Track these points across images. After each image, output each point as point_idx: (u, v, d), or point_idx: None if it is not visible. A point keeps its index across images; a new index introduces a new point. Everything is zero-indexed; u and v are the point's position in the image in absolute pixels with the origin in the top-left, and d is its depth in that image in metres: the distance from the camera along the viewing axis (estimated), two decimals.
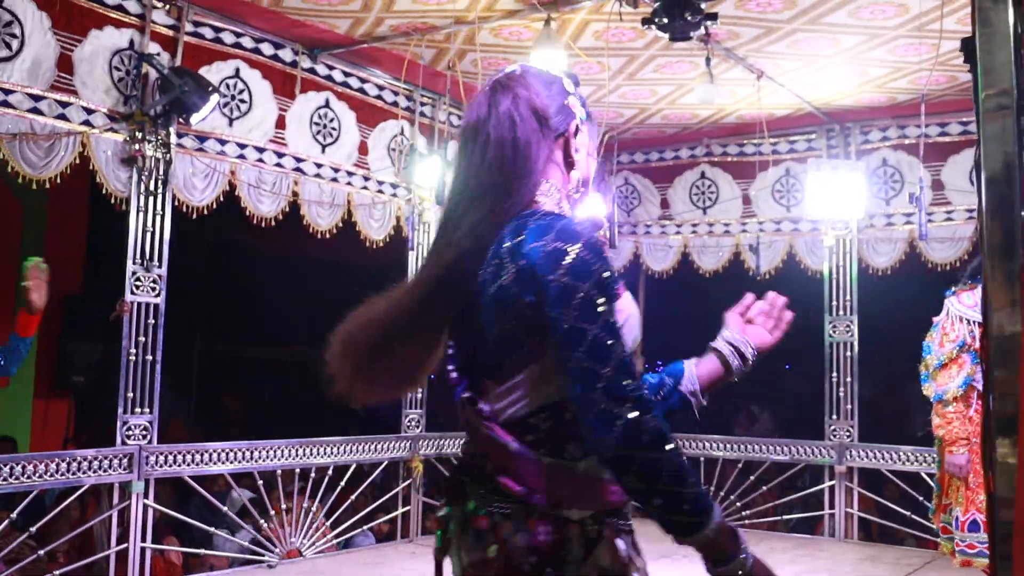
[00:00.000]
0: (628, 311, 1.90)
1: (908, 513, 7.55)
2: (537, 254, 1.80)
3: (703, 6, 5.38)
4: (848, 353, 8.00)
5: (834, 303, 8.10)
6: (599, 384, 1.71)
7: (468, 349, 1.98)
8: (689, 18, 5.32)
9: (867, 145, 8.09)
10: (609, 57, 6.61)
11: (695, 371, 2.21)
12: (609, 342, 1.75)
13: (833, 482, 7.92)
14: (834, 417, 8.00)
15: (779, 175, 8.45)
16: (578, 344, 1.74)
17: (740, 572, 1.80)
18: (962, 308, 5.14)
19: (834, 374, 8.00)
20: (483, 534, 1.88)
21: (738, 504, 8.31)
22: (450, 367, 2.01)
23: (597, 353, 1.73)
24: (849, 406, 7.95)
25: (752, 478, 8.25)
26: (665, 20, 5.35)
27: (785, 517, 8.28)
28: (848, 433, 7.93)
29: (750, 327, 2.27)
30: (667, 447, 1.70)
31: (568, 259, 1.78)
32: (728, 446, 8.49)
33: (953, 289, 5.28)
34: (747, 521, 8.26)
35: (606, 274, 1.79)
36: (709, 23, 5.44)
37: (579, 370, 1.73)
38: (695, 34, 5.48)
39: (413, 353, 1.98)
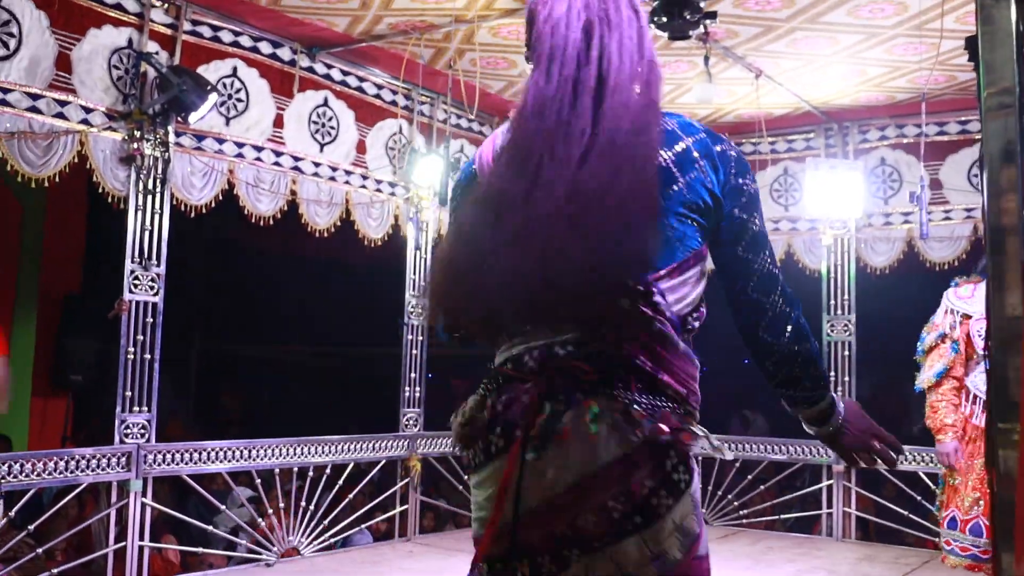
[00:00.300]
0: None
1: (906, 512, 7.55)
2: (731, 159, 1.94)
3: (702, 5, 5.38)
4: (846, 352, 8.00)
5: (832, 302, 8.10)
6: (779, 287, 1.96)
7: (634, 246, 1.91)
8: (688, 17, 5.33)
9: (865, 144, 8.09)
10: None
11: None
12: (773, 250, 2.01)
13: (831, 481, 7.92)
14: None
15: (777, 174, 8.46)
16: (764, 247, 1.97)
17: (834, 427, 2.09)
18: (954, 300, 5.17)
19: (832, 373, 7.99)
20: (633, 427, 1.81)
21: (736, 504, 8.31)
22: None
23: (774, 259, 1.98)
24: None
25: (750, 477, 8.24)
26: (664, 19, 5.36)
27: (783, 516, 8.28)
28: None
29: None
30: (812, 337, 2.01)
31: (748, 166, 2.00)
32: (726, 445, 8.45)
33: (957, 280, 5.31)
34: (745, 520, 8.26)
35: None
36: (708, 22, 5.45)
37: (765, 272, 1.95)
38: (694, 33, 5.49)
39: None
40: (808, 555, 7.21)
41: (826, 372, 2.09)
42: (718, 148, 1.94)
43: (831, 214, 7.57)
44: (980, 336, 4.92)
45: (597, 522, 1.81)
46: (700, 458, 1.99)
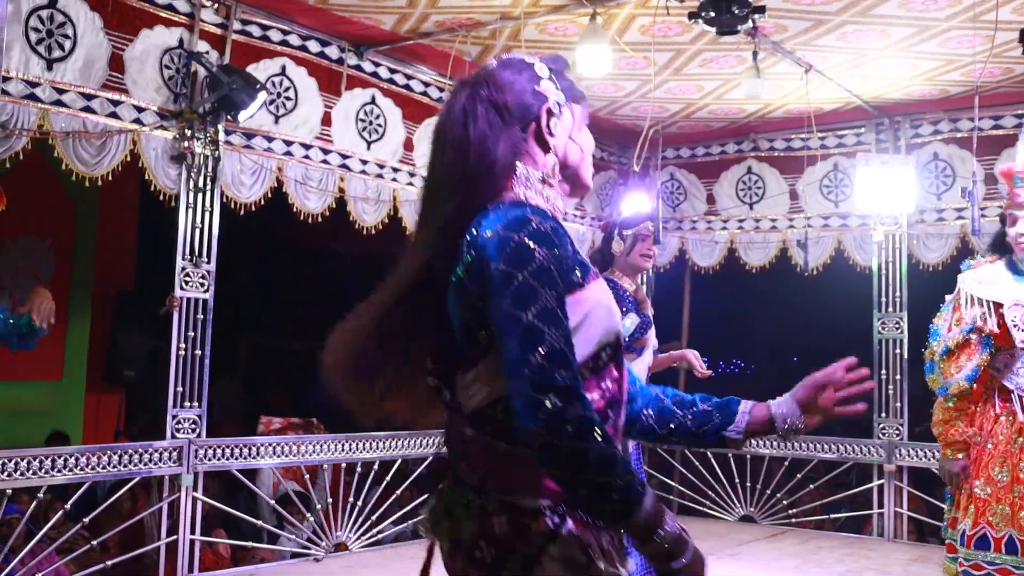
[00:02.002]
0: (594, 300, 1.87)
1: None
2: (484, 243, 1.81)
3: (750, 0, 5.34)
4: (897, 350, 7.91)
5: (883, 299, 8.01)
6: (525, 370, 1.70)
7: (442, 344, 1.96)
8: (736, 12, 5.29)
9: (917, 139, 7.98)
10: (655, 52, 6.57)
11: (746, 419, 2.11)
12: (543, 329, 1.72)
13: (882, 481, 7.83)
14: (883, 415, 7.91)
15: (827, 170, 8.37)
16: (511, 330, 1.73)
17: (662, 553, 1.75)
18: (975, 285, 4.48)
19: (883, 372, 7.91)
20: (447, 524, 1.91)
21: (785, 503, 8.24)
22: (430, 363, 2.00)
23: (527, 341, 1.71)
24: (898, 404, 7.87)
25: (799, 476, 8.18)
26: (712, 14, 5.32)
27: (832, 516, 8.20)
28: (897, 431, 7.83)
29: (815, 395, 2.12)
30: (592, 437, 1.69)
31: (510, 246, 1.78)
32: (775, 444, 8.40)
33: (970, 263, 4.67)
34: (794, 520, 8.19)
35: (548, 261, 1.78)
36: (757, 16, 5.39)
37: (510, 357, 1.73)
38: (742, 28, 5.44)
39: (404, 357, 1.98)
40: (858, 555, 7.14)
41: (627, 484, 1.71)
42: (479, 233, 1.85)
43: (882, 210, 7.50)
44: (1017, 327, 4.28)
45: None
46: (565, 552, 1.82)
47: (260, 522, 6.63)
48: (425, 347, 1.97)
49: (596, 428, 1.70)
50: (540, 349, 1.71)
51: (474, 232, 1.85)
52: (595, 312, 1.86)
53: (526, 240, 1.78)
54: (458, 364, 1.90)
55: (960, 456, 4.43)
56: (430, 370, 1.97)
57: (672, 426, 2.14)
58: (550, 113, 2.00)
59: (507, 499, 1.81)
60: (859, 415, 2.17)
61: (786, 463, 8.28)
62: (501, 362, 1.77)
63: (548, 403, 1.67)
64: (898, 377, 7.88)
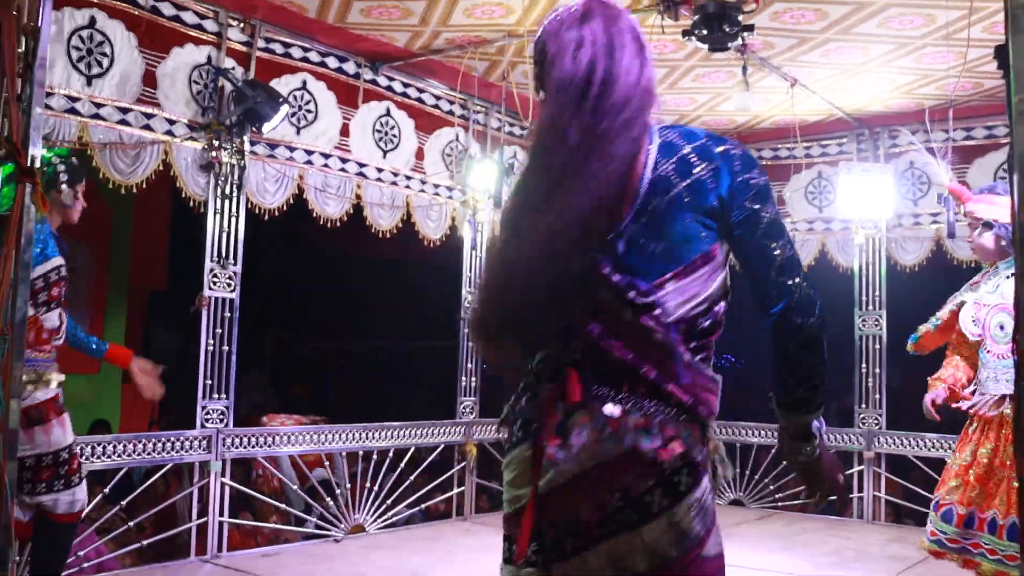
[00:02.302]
0: None
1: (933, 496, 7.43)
2: (734, 156, 1.88)
3: (740, 18, 5.34)
4: (877, 346, 7.90)
5: (864, 298, 8.00)
6: (801, 272, 1.86)
7: (635, 254, 1.86)
8: (727, 30, 5.29)
9: (895, 149, 7.98)
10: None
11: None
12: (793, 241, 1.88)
13: (862, 467, 7.83)
14: (863, 406, 7.91)
15: (812, 177, 8.36)
16: (781, 235, 1.87)
17: (814, 448, 1.95)
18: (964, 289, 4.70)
19: (863, 365, 7.91)
20: (633, 434, 1.80)
21: (771, 487, 8.23)
22: (603, 264, 1.86)
23: (793, 246, 1.88)
24: (877, 396, 7.86)
25: (783, 463, 8.15)
26: (704, 32, 5.33)
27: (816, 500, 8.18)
28: (876, 421, 7.83)
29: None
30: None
31: (757, 163, 1.91)
32: (762, 432, 8.41)
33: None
34: (780, 503, 8.18)
35: None
36: (746, 34, 5.40)
37: (785, 259, 1.86)
38: (732, 45, 5.45)
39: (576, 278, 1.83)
40: (839, 536, 7.13)
41: (823, 363, 1.88)
42: (719, 149, 1.90)
43: (863, 215, 7.48)
44: (974, 322, 4.49)
45: (594, 514, 1.81)
46: (716, 462, 1.91)
47: (284, 505, 6.65)
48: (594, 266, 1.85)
49: None
50: (798, 256, 1.90)
51: (697, 144, 1.90)
52: None
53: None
54: (670, 273, 1.85)
55: (937, 386, 4.68)
56: (613, 284, 1.84)
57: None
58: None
59: (698, 415, 1.84)
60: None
61: (772, 450, 8.27)
62: (720, 269, 1.89)
63: (818, 302, 1.86)
64: (877, 371, 7.87)
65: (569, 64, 1.89)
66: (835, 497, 2.04)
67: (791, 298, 1.85)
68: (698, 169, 1.88)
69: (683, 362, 1.84)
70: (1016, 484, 1.65)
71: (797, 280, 1.86)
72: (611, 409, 1.81)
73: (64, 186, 4.20)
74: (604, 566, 1.80)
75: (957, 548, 4.35)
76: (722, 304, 1.92)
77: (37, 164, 2.94)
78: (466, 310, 7.49)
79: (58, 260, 4.18)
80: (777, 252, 1.87)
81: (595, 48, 1.89)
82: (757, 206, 1.88)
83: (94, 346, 4.60)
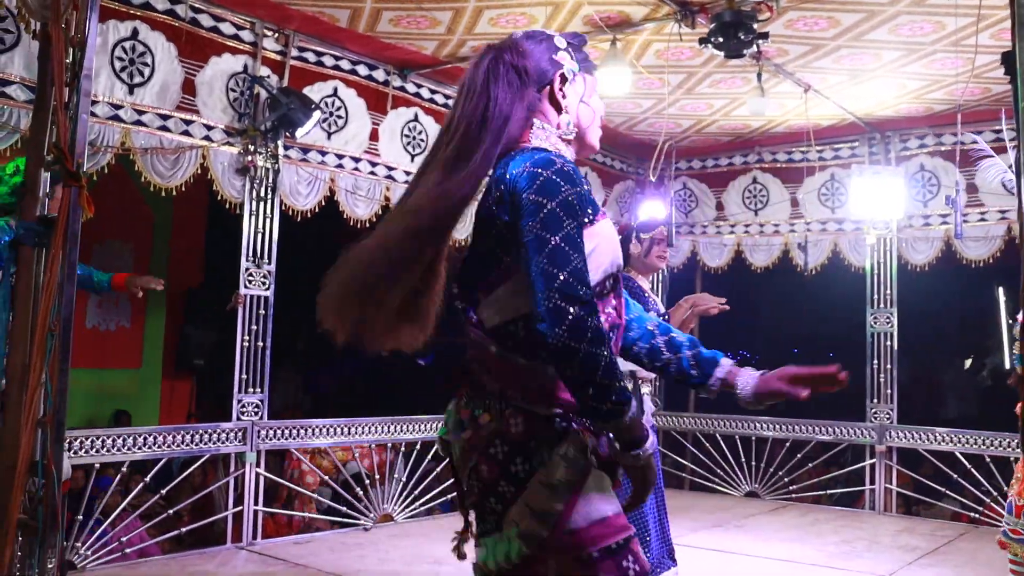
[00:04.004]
0: (603, 235, 1.95)
1: (943, 489, 7.41)
2: (515, 177, 1.90)
3: (755, 26, 5.32)
4: (888, 342, 7.86)
5: (875, 296, 7.96)
6: (555, 283, 1.79)
7: (466, 268, 2.04)
8: (742, 37, 5.28)
9: (906, 152, 7.92)
10: (669, 74, 6.56)
11: (718, 384, 2.19)
12: (568, 251, 1.82)
13: (874, 460, 7.80)
14: (875, 401, 7.86)
15: (824, 180, 8.32)
16: (541, 250, 1.82)
17: (643, 455, 1.87)
18: None
19: (875, 361, 7.87)
20: (463, 424, 1.97)
21: (786, 480, 8.21)
22: (454, 287, 2.03)
23: (557, 259, 1.80)
24: (889, 391, 7.82)
25: (799, 456, 8.14)
26: (720, 39, 5.31)
27: (829, 492, 8.15)
28: (888, 415, 7.79)
29: (783, 379, 2.16)
30: (605, 345, 1.79)
31: (540, 180, 1.87)
32: (777, 427, 8.37)
33: None
34: (794, 495, 8.15)
35: (572, 196, 1.87)
36: (760, 42, 5.38)
37: (540, 272, 1.81)
38: (747, 52, 5.43)
39: (413, 286, 1.91)
40: (851, 526, 7.10)
41: (623, 387, 1.81)
42: (515, 170, 1.93)
43: (874, 216, 7.44)
44: None
45: (474, 497, 2.00)
46: (572, 449, 1.88)
47: (316, 495, 6.68)
48: (436, 275, 1.94)
49: (607, 338, 1.82)
50: (567, 267, 1.81)
51: (502, 171, 1.96)
52: (602, 245, 1.94)
53: (553, 176, 1.88)
54: (479, 287, 1.98)
55: None
56: (455, 295, 2.01)
57: (658, 365, 2.24)
58: (563, 78, 2.09)
59: (523, 405, 1.91)
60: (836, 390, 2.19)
61: (787, 444, 8.25)
62: (525, 282, 1.86)
63: (571, 312, 1.77)
64: (888, 367, 7.83)
65: (452, 106, 2.09)
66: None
67: (538, 308, 1.83)
68: (496, 189, 1.97)
69: (495, 354, 1.94)
70: None
71: (548, 293, 1.81)
72: (458, 404, 2.02)
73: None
74: (499, 549, 1.93)
75: (1019, 539, 4.17)
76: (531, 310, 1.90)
77: (84, 169, 2.97)
78: None
79: None
80: (534, 266, 1.84)
81: (463, 87, 2.05)
82: (524, 223, 1.88)
83: (95, 279, 4.58)
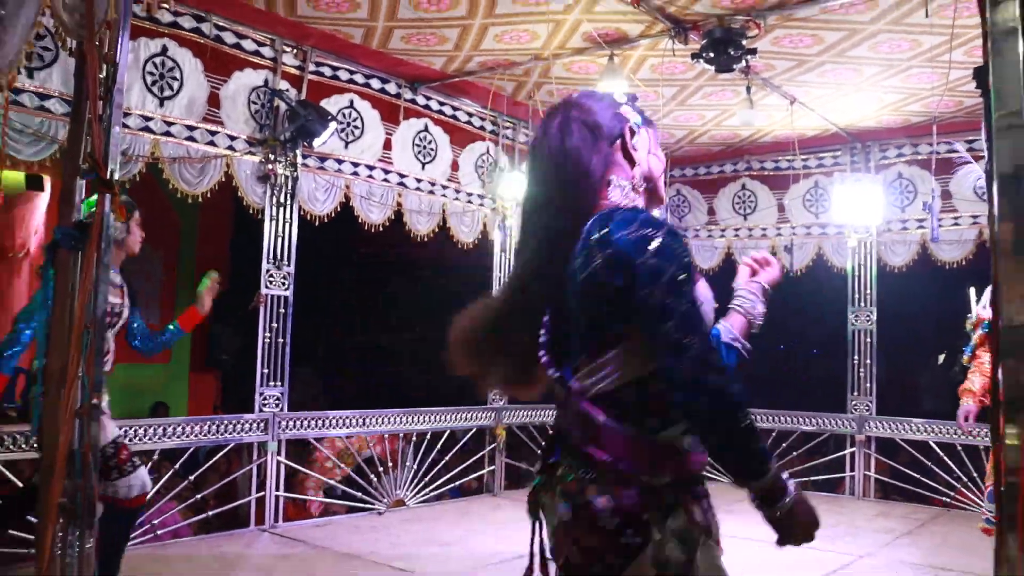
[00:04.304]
0: (704, 295, 1.82)
1: (917, 476, 7.42)
2: (625, 241, 1.71)
3: (744, 43, 5.33)
4: (868, 339, 7.86)
5: (856, 296, 7.95)
6: (688, 354, 1.64)
7: (560, 334, 1.88)
8: (732, 53, 5.29)
9: (885, 161, 7.91)
10: (663, 87, 6.56)
11: (729, 326, 2.08)
12: (694, 316, 1.69)
13: (854, 449, 7.80)
14: (855, 393, 7.86)
15: (809, 186, 8.31)
16: (668, 318, 1.65)
17: (785, 509, 1.73)
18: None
19: (856, 357, 7.87)
20: (571, 496, 1.78)
21: None
22: (542, 353, 1.91)
23: (685, 326, 1.65)
24: (868, 384, 7.82)
25: (784, 445, 8.14)
26: (711, 55, 5.33)
27: (812, 478, 8.14)
28: (867, 407, 7.79)
29: (757, 275, 2.15)
30: (746, 408, 1.66)
31: (654, 244, 1.70)
32: (764, 418, 8.37)
33: None
34: None
35: (687, 258, 1.72)
36: (749, 57, 5.40)
37: (670, 342, 1.65)
38: (737, 67, 5.45)
39: (518, 345, 1.91)
40: (833, 511, 7.09)
41: (765, 447, 1.71)
42: (620, 233, 1.74)
43: (855, 221, 7.45)
44: None
45: (574, 567, 1.79)
46: (684, 527, 1.76)
47: (333, 481, 6.69)
48: (532, 338, 1.92)
49: (745, 401, 1.66)
50: (696, 334, 1.67)
51: (602, 233, 1.75)
52: (704, 305, 1.81)
53: (667, 239, 1.71)
54: (583, 354, 1.81)
55: (966, 401, 4.59)
56: (545, 361, 1.91)
57: None
58: (632, 131, 1.95)
59: (636, 476, 1.75)
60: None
61: (773, 434, 8.24)
62: (638, 348, 1.73)
63: (710, 380, 1.64)
64: (868, 361, 7.83)
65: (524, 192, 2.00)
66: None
67: (673, 382, 1.69)
68: (597, 254, 1.77)
69: (601, 424, 1.78)
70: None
71: (682, 363, 1.67)
72: (558, 474, 1.84)
73: (115, 223, 4.09)
74: None
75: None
76: (654, 375, 1.74)
77: (116, 177, 2.98)
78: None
79: (113, 300, 4.11)
80: (654, 335, 1.70)
81: (535, 145, 1.98)
82: (644, 291, 1.70)
83: (169, 336, 4.57)
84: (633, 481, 1.74)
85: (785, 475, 1.73)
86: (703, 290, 1.82)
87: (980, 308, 4.80)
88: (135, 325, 4.34)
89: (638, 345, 1.73)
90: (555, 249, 1.82)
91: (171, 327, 4.57)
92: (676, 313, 1.66)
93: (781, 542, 1.77)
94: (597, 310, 1.76)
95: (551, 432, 1.94)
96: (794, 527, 1.76)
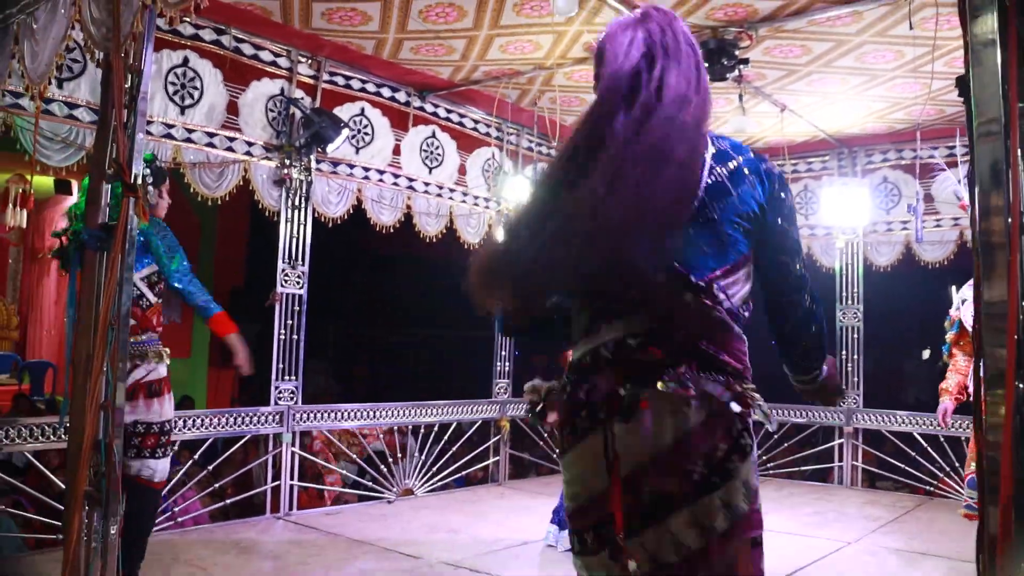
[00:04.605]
0: None
1: (903, 465, 7.41)
2: (775, 176, 1.85)
3: (736, 53, 5.33)
4: (855, 335, 7.85)
5: (844, 294, 7.95)
6: (808, 287, 1.90)
7: (691, 249, 1.76)
8: (725, 63, 5.29)
9: (871, 165, 7.90)
10: None
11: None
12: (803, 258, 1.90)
13: (842, 440, 7.79)
14: (844, 387, 7.86)
15: (798, 190, 8.31)
16: (798, 255, 1.88)
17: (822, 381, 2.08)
18: (964, 288, 4.81)
19: (843, 352, 7.86)
20: (690, 402, 1.69)
21: (764, 457, 8.20)
22: (674, 264, 1.75)
23: (804, 264, 1.89)
24: (856, 378, 7.81)
25: (775, 436, 8.13)
26: (706, 64, 5.30)
27: (802, 468, 8.15)
28: (855, 400, 7.78)
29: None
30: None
31: (787, 183, 1.87)
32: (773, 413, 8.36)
33: None
34: (771, 471, 8.15)
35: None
36: (741, 67, 5.39)
37: (799, 276, 1.87)
38: (730, 76, 5.44)
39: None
40: (822, 500, 7.09)
41: (826, 347, 2.03)
42: (764, 167, 1.83)
43: (843, 222, 7.43)
44: (973, 317, 4.54)
45: (680, 484, 1.70)
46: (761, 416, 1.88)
47: (344, 471, 6.70)
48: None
49: None
50: (806, 270, 1.90)
51: (746, 158, 1.83)
52: None
53: (787, 179, 1.94)
54: (718, 265, 1.76)
55: (943, 400, 4.70)
56: (677, 271, 1.75)
57: None
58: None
59: (749, 384, 1.80)
60: None
61: (765, 426, 8.23)
62: (752, 271, 1.85)
63: (820, 311, 1.96)
64: (856, 357, 7.82)
65: (621, 59, 1.74)
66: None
67: (796, 314, 1.91)
68: (747, 180, 1.79)
69: (734, 334, 1.79)
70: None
71: (804, 296, 1.91)
72: (676, 385, 1.70)
73: (150, 187, 4.10)
74: (684, 527, 1.69)
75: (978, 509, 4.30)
76: (751, 302, 1.89)
77: (139, 182, 2.99)
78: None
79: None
80: (792, 270, 1.88)
81: (650, 45, 1.76)
82: (787, 225, 1.86)
83: (206, 304, 4.32)
84: (749, 389, 1.80)
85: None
86: None
87: (953, 309, 4.85)
88: (172, 268, 4.19)
89: (753, 266, 1.85)
90: (685, 147, 1.70)
91: (210, 307, 4.39)
92: (802, 252, 1.91)
93: (823, 402, 2.17)
94: (739, 227, 1.79)
95: (613, 362, 1.77)
96: (829, 390, 2.11)
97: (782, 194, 1.83)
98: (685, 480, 1.69)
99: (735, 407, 1.72)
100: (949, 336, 4.86)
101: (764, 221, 1.81)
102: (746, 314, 1.84)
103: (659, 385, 1.70)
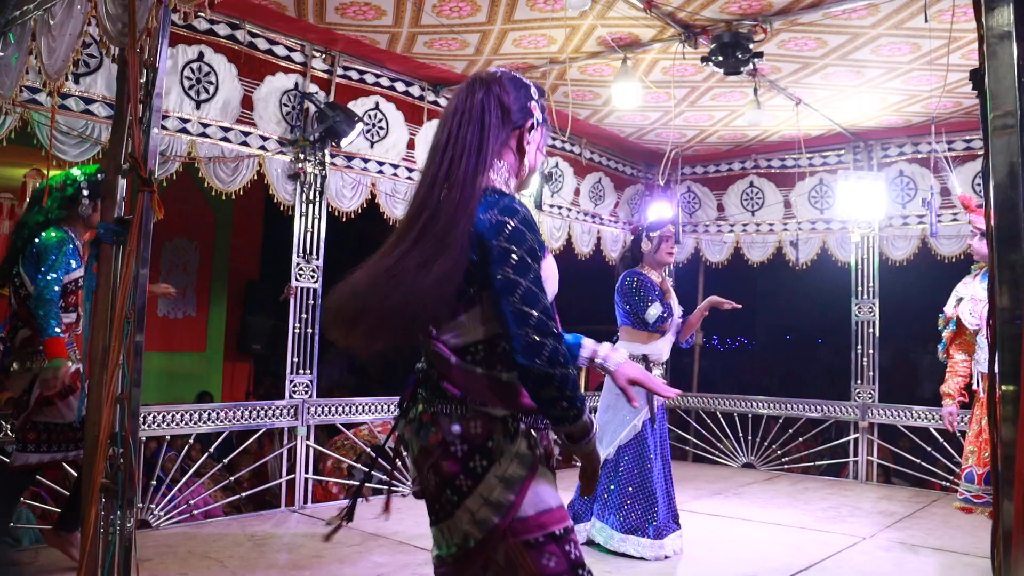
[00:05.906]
0: (550, 271, 1.98)
1: (918, 460, 7.38)
2: (484, 224, 1.89)
3: (751, 46, 5.30)
4: (871, 329, 7.82)
5: (859, 288, 7.91)
6: (531, 321, 1.83)
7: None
8: (740, 56, 5.27)
9: (886, 159, 7.86)
10: (675, 88, 6.54)
11: (586, 354, 2.15)
12: (536, 292, 1.86)
13: (857, 435, 7.75)
14: (858, 382, 7.82)
15: (814, 184, 8.27)
16: (513, 292, 1.85)
17: (590, 444, 1.94)
18: (958, 287, 4.88)
19: (859, 347, 7.82)
20: (426, 426, 1.95)
21: (779, 452, 8.18)
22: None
23: (528, 300, 1.84)
24: (871, 373, 7.77)
25: (791, 431, 8.11)
26: (720, 58, 5.30)
27: (817, 463, 8.13)
28: (870, 395, 7.75)
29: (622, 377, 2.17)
30: (571, 366, 1.87)
31: (508, 229, 1.88)
32: (771, 405, 8.35)
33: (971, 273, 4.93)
34: (786, 466, 8.13)
35: (535, 244, 1.90)
36: (756, 60, 5.37)
37: (514, 312, 1.84)
38: (744, 69, 5.42)
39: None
40: (837, 494, 7.07)
41: (583, 397, 1.90)
42: (482, 216, 1.91)
43: (858, 216, 7.40)
44: (971, 314, 4.63)
45: (431, 490, 1.96)
46: (518, 448, 1.92)
47: (357, 464, 6.72)
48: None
49: (572, 362, 1.93)
50: (537, 306, 1.85)
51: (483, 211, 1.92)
52: (550, 278, 1.96)
53: (520, 226, 1.89)
54: (443, 311, 1.94)
55: (947, 402, 4.74)
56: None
57: None
58: (532, 127, 2.09)
59: (481, 409, 1.92)
60: None
61: (780, 420, 8.21)
62: (488, 314, 1.91)
63: (548, 346, 1.83)
64: (871, 351, 7.79)
65: (437, 131, 2.03)
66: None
67: (518, 344, 1.86)
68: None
69: (455, 366, 1.94)
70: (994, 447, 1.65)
71: (525, 330, 1.85)
72: (417, 409, 2.00)
73: (86, 200, 4.15)
74: (454, 535, 1.95)
75: (983, 503, 4.48)
76: (499, 339, 1.94)
77: (155, 175, 3.01)
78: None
79: (78, 272, 4.09)
80: (507, 306, 1.87)
81: (457, 116, 2.00)
82: (496, 268, 1.88)
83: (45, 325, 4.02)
84: (480, 413, 1.92)
85: (587, 415, 1.90)
86: (548, 266, 1.98)
87: (948, 307, 4.87)
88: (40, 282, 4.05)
89: (486, 311, 1.92)
90: (430, 196, 1.94)
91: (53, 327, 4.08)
92: (520, 288, 1.86)
93: (589, 482, 2.02)
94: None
95: (414, 377, 2.07)
96: (596, 463, 2.00)
97: (493, 240, 1.89)
98: (432, 489, 1.98)
99: (435, 438, 1.94)
100: (945, 334, 4.87)
101: (481, 267, 1.91)
102: (477, 351, 1.96)
103: (407, 407, 2.05)
